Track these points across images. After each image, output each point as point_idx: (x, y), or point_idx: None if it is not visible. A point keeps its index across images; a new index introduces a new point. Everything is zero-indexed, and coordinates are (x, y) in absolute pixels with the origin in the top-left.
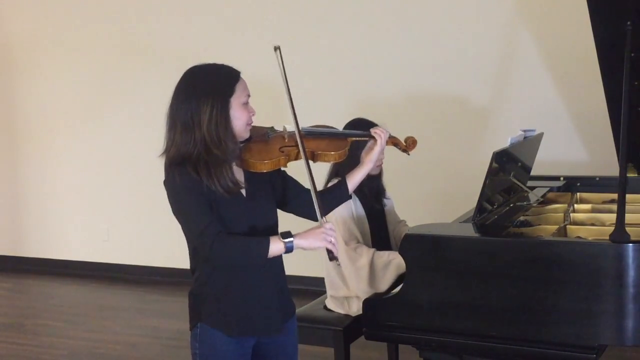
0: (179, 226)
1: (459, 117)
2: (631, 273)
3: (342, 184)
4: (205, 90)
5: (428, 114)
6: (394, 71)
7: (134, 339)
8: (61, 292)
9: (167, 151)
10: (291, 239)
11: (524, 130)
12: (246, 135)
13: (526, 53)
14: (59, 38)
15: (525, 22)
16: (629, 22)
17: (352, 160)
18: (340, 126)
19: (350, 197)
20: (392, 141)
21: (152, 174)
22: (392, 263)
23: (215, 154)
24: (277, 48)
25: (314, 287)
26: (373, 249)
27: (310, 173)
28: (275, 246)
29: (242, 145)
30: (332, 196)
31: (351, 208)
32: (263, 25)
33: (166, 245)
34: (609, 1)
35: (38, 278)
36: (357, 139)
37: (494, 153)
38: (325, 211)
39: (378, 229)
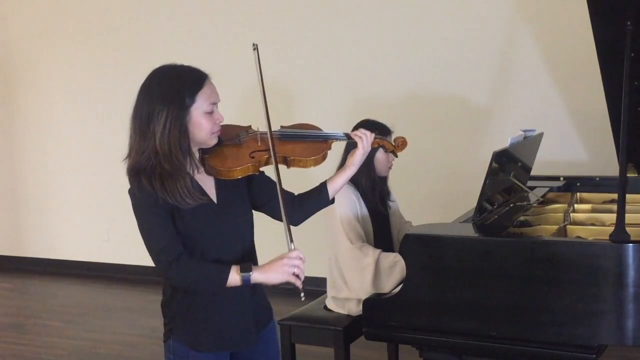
0: None
1: (459, 117)
2: (631, 273)
3: (322, 189)
4: (164, 96)
5: (428, 114)
6: (394, 71)
7: (134, 339)
8: (61, 292)
9: (129, 156)
10: (249, 273)
11: (524, 130)
12: (212, 142)
13: (526, 53)
14: (58, 38)
15: (525, 23)
16: (629, 22)
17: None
18: (345, 127)
19: (331, 202)
20: (378, 142)
21: None
22: (398, 265)
23: (165, 168)
24: (255, 47)
25: (314, 287)
26: (379, 250)
27: (279, 181)
28: (233, 278)
29: (213, 149)
30: (312, 201)
31: (356, 208)
32: (263, 25)
33: None
34: (609, 1)
35: (38, 278)
36: (340, 141)
37: (494, 153)
38: (300, 219)
39: (381, 230)
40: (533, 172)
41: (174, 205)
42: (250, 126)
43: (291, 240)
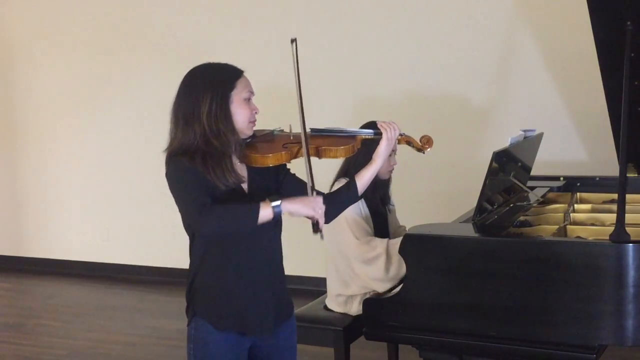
0: (179, 226)
1: (459, 117)
2: (631, 273)
3: (351, 184)
4: (206, 84)
5: (428, 114)
6: (394, 71)
7: (134, 339)
8: (61, 292)
9: (169, 146)
10: (279, 202)
11: (524, 130)
12: (249, 132)
13: (526, 53)
14: (58, 37)
15: (525, 23)
16: (629, 22)
17: (363, 161)
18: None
19: (360, 197)
20: (405, 139)
21: (153, 174)
22: None
23: (214, 145)
24: (293, 40)
25: (314, 287)
26: (386, 239)
27: (309, 167)
28: (265, 211)
29: (246, 141)
30: (341, 198)
31: (359, 207)
32: (263, 25)
33: (166, 245)
34: (609, 1)
35: (38, 278)
36: (367, 137)
37: (494, 153)
38: (332, 214)
39: (380, 231)
40: (533, 172)
41: (212, 186)
42: (282, 128)
43: (313, 190)
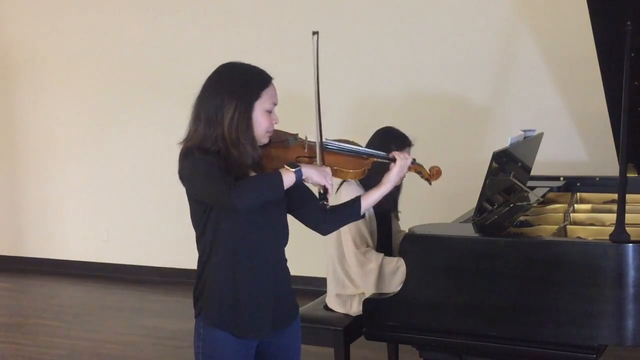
0: (179, 226)
1: (459, 117)
2: (631, 273)
3: (356, 203)
4: (233, 89)
5: (428, 113)
6: (394, 71)
7: (134, 339)
8: (61, 292)
9: (187, 140)
10: (298, 166)
11: (524, 130)
12: (264, 141)
13: (526, 53)
14: (59, 44)
15: (525, 23)
16: (629, 22)
17: (369, 181)
18: (345, 127)
19: (362, 217)
20: (415, 169)
21: (153, 174)
22: (400, 269)
23: (233, 153)
24: (315, 33)
25: (314, 287)
26: (382, 254)
27: (321, 148)
28: (288, 176)
29: (264, 148)
30: (343, 212)
31: None
32: (265, 25)
33: (166, 245)
34: (609, 1)
35: (38, 278)
36: (379, 160)
37: (494, 153)
38: (331, 227)
39: (383, 231)
40: (533, 172)
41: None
42: (297, 134)
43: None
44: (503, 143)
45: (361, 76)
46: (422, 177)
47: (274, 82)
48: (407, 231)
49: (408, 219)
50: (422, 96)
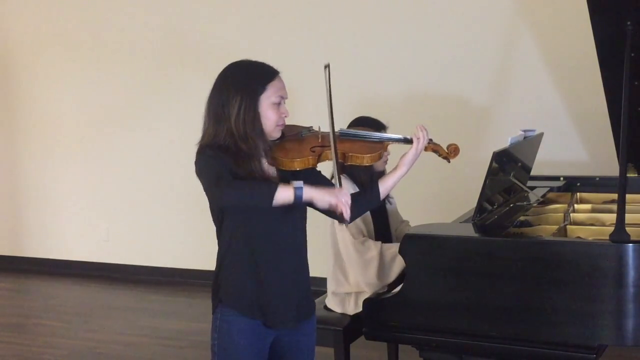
0: (179, 226)
1: (459, 117)
2: (631, 273)
3: (374, 188)
4: (237, 84)
5: (428, 113)
6: (394, 71)
7: (134, 339)
8: (61, 292)
9: (202, 139)
10: (301, 184)
11: (524, 130)
12: (276, 135)
13: (526, 53)
14: (59, 38)
15: (525, 23)
16: (629, 22)
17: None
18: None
19: (382, 201)
20: (432, 147)
21: (153, 174)
22: (400, 255)
23: (242, 148)
24: (327, 66)
25: (314, 287)
26: (380, 242)
27: (338, 174)
28: (284, 192)
29: (275, 143)
30: (363, 199)
31: None
32: (264, 25)
33: (166, 245)
34: (609, 1)
35: (38, 278)
36: (396, 143)
37: (494, 153)
38: (354, 215)
39: (381, 226)
40: (533, 172)
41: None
42: (311, 127)
43: (340, 186)
44: (503, 143)
45: (361, 76)
46: (439, 155)
47: (283, 76)
48: (410, 226)
49: (408, 219)
50: (422, 96)
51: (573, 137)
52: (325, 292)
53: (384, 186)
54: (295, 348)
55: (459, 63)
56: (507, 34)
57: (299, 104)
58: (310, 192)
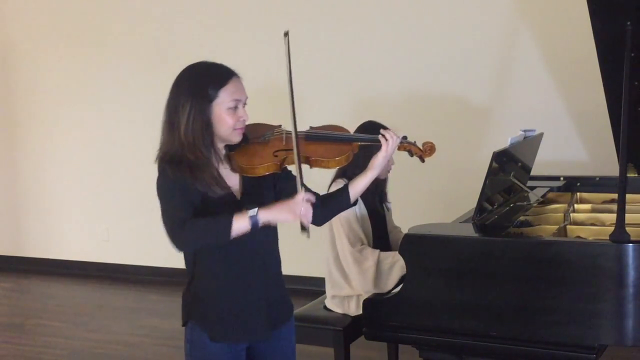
0: None
1: (459, 117)
2: (631, 273)
3: (344, 191)
4: (188, 91)
5: (428, 114)
6: (394, 71)
7: (134, 339)
8: (61, 292)
9: (159, 150)
10: (255, 211)
11: (524, 130)
12: (236, 139)
13: (526, 53)
14: (58, 38)
15: (525, 23)
16: (629, 22)
17: (363, 165)
18: (345, 127)
19: (353, 204)
20: (405, 147)
21: (152, 174)
22: (397, 264)
23: (190, 159)
24: (286, 34)
25: (314, 287)
26: (378, 250)
27: (300, 175)
28: (240, 222)
29: (239, 146)
30: (333, 203)
31: (355, 209)
32: (263, 24)
33: (166, 245)
34: (609, 1)
35: (38, 278)
36: (366, 143)
37: (494, 153)
38: (323, 218)
39: (378, 230)
40: (533, 172)
41: (202, 193)
42: (280, 125)
43: (301, 188)
44: (503, 143)
45: (361, 76)
46: (413, 154)
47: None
48: (402, 229)
49: (408, 219)
50: (422, 96)
51: (573, 137)
52: (324, 292)
53: (354, 190)
54: (272, 354)
55: (459, 63)
56: (507, 34)
57: (298, 104)
58: (265, 216)
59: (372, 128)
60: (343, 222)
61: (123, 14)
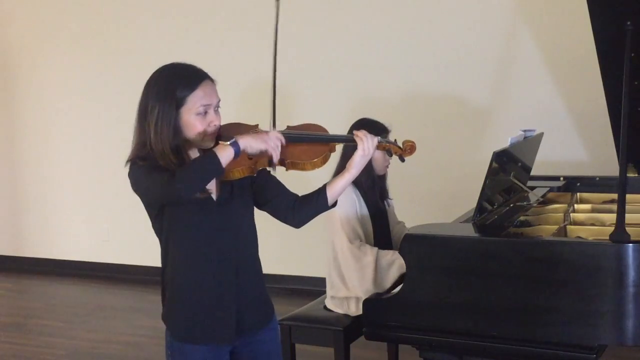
0: None
1: (459, 117)
2: (631, 273)
3: (321, 193)
4: (158, 93)
5: (428, 114)
6: (394, 71)
7: (134, 339)
8: (61, 292)
9: (131, 152)
10: (233, 139)
11: (524, 130)
12: (206, 144)
13: (526, 53)
14: (58, 39)
15: (525, 22)
16: (629, 22)
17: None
18: (345, 127)
19: (332, 206)
20: (383, 147)
21: None
22: (396, 262)
23: (160, 164)
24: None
25: (314, 287)
26: (376, 248)
27: (273, 116)
28: (225, 151)
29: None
30: (310, 205)
31: (356, 207)
32: (262, 23)
33: None
34: (609, 1)
35: (38, 278)
36: (343, 144)
37: (494, 153)
38: (302, 219)
39: (380, 229)
40: (533, 172)
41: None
42: (257, 125)
43: (273, 127)
44: (503, 143)
45: (361, 76)
46: (392, 154)
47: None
48: (406, 227)
49: (408, 219)
50: (421, 96)
51: (573, 137)
52: (324, 291)
53: (332, 191)
54: (256, 357)
55: (459, 63)
56: (507, 34)
57: (298, 104)
58: (243, 142)
59: (366, 125)
60: (342, 220)
61: (124, 15)
